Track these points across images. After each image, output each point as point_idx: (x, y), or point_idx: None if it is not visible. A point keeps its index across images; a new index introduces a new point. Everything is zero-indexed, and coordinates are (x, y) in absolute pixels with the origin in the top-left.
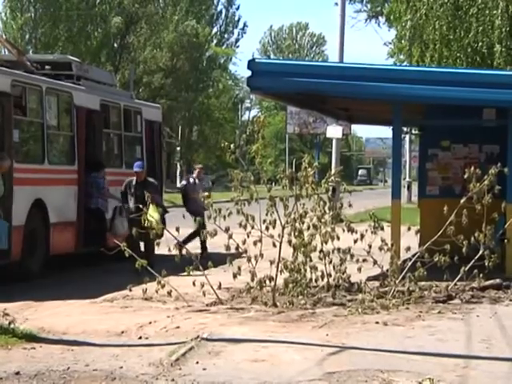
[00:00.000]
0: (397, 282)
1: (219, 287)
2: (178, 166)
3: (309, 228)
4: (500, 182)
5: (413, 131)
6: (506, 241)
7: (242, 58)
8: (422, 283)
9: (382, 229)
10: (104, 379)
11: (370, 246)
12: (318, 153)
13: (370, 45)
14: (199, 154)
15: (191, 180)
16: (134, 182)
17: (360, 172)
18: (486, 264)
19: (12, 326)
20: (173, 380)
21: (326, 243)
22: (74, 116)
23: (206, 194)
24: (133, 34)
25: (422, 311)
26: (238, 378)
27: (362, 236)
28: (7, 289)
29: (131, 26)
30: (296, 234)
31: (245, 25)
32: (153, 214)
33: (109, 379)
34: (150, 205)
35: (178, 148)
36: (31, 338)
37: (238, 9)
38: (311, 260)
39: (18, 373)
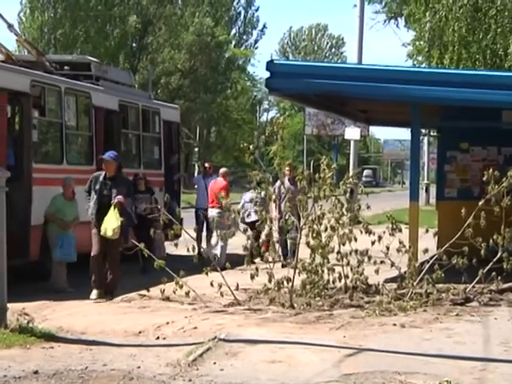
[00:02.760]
0: (414, 284)
1: (237, 288)
2: (196, 166)
3: (326, 229)
4: None
5: (431, 133)
6: None
7: (260, 60)
8: (440, 285)
9: (400, 231)
10: (122, 379)
11: (387, 248)
12: (336, 154)
13: (388, 46)
14: (217, 154)
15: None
16: (101, 178)
17: (365, 172)
18: (505, 266)
19: (31, 325)
20: (190, 380)
21: (344, 245)
22: (93, 116)
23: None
24: (151, 35)
25: (439, 313)
26: (256, 378)
27: (380, 238)
28: (26, 288)
29: (149, 27)
30: (314, 235)
31: (264, 26)
32: (110, 221)
33: (126, 379)
34: (112, 208)
35: (196, 149)
36: (50, 337)
37: (257, 10)
38: (329, 261)
39: (36, 372)
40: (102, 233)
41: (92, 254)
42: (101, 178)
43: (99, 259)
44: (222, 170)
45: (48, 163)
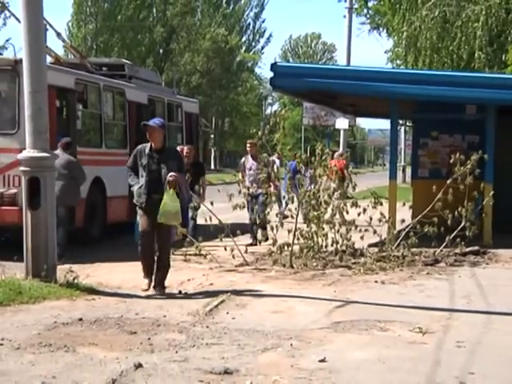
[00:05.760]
0: (393, 248)
1: (246, 251)
2: (213, 151)
3: (321, 204)
4: (480, 166)
5: (407, 123)
6: (483, 215)
7: (266, 62)
8: (414, 249)
9: (381, 204)
10: (151, 325)
11: (370, 219)
12: (329, 141)
13: (372, 51)
14: (230, 141)
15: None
16: (147, 150)
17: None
18: (467, 234)
19: (76, 281)
20: (207, 327)
21: (335, 216)
22: (126, 109)
23: None
24: (175, 42)
25: (413, 272)
26: (261, 325)
27: (365, 210)
28: (72, 251)
29: (173, 35)
30: (310, 208)
31: (270, 35)
32: (168, 204)
33: (155, 325)
34: (167, 189)
35: (212, 136)
36: (92, 291)
37: (263, 22)
38: (323, 229)
39: (80, 319)
40: (161, 220)
41: (141, 231)
42: (147, 151)
43: (149, 240)
44: (338, 153)
45: (90, 147)
